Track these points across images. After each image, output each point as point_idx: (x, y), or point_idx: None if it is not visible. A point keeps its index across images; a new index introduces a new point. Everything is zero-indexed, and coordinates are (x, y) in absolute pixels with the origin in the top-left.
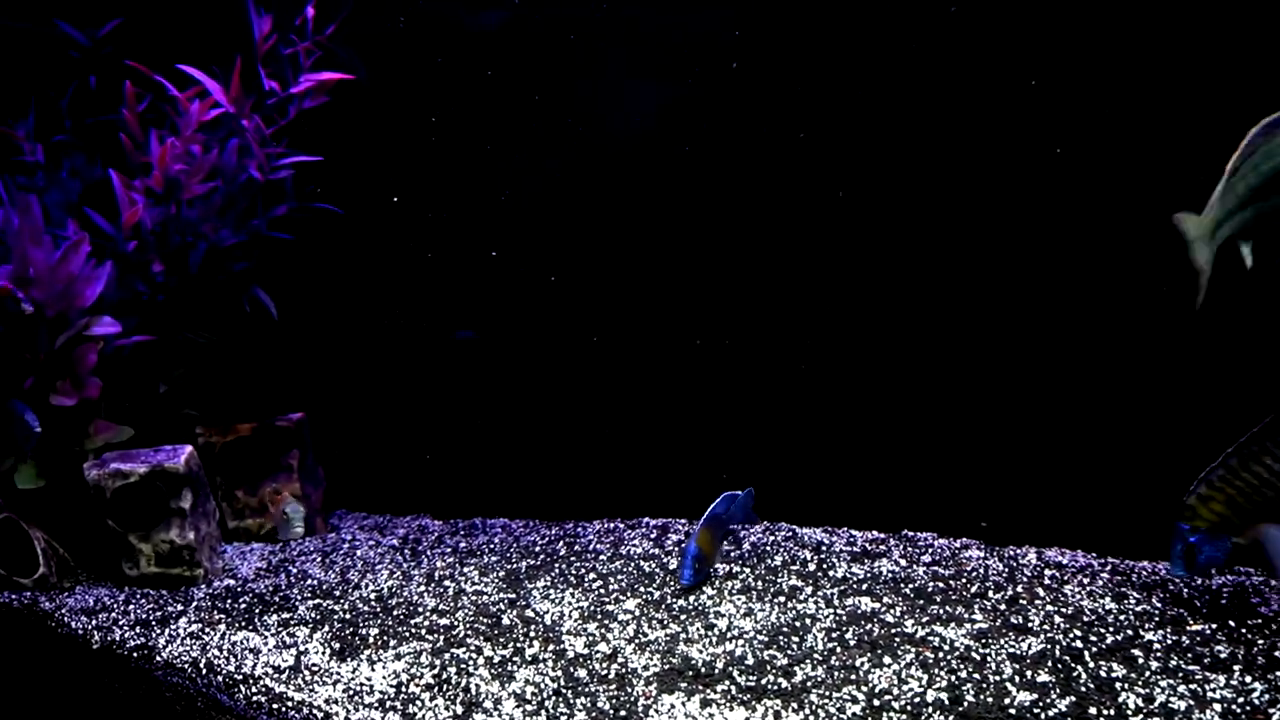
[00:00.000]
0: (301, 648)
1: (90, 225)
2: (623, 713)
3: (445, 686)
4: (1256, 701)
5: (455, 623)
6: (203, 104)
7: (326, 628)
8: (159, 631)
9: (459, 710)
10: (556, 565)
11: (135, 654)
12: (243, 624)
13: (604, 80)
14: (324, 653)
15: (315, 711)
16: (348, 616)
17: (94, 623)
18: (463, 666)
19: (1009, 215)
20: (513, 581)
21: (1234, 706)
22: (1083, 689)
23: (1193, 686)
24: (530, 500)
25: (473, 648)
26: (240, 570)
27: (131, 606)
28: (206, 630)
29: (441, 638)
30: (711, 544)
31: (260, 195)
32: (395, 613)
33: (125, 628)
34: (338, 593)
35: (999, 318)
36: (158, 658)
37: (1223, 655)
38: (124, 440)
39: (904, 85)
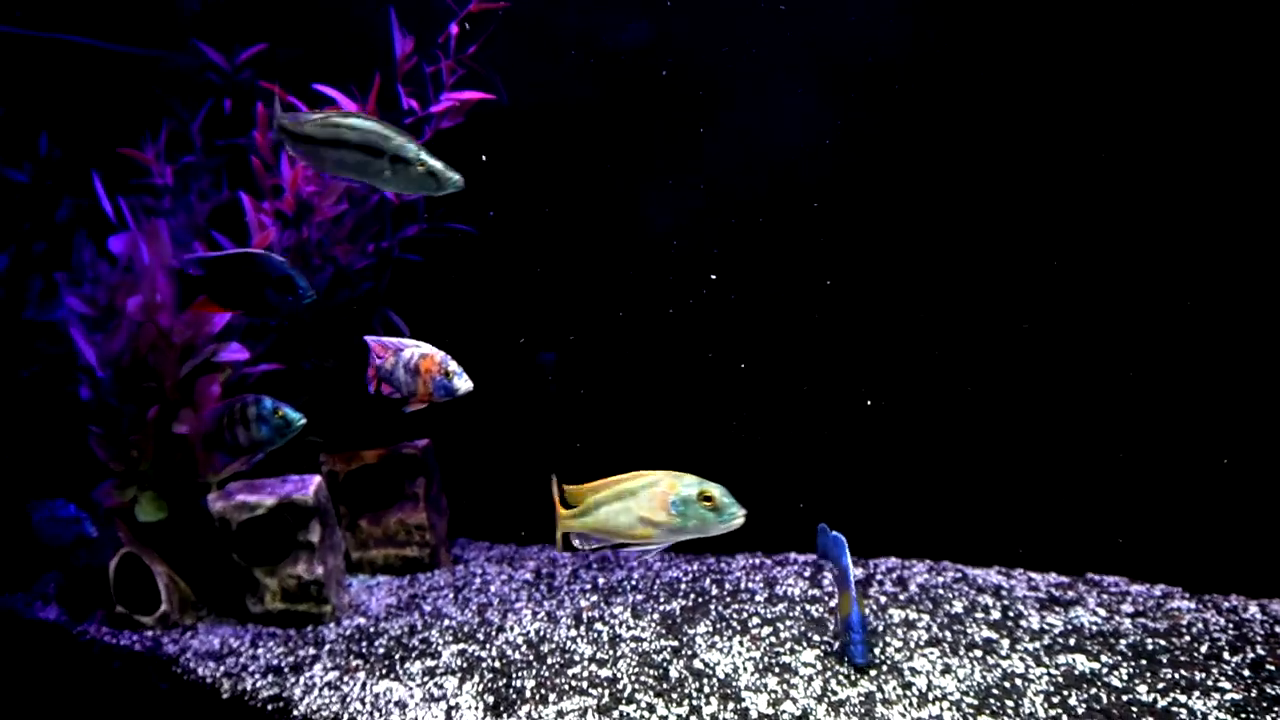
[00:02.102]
0: (452, 701)
1: (217, 248)
2: None
3: None
4: None
5: (618, 674)
6: None
7: (476, 677)
8: (293, 680)
9: None
10: (712, 607)
11: (269, 705)
12: (383, 672)
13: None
14: (477, 708)
15: None
16: (498, 665)
17: (222, 669)
18: None
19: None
20: (670, 626)
21: None
22: None
23: None
24: None
25: (643, 704)
26: (369, 607)
27: (260, 650)
28: (345, 680)
29: (606, 692)
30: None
31: (390, 216)
32: (549, 661)
33: (256, 675)
34: (480, 636)
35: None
36: (295, 711)
37: None
38: (248, 471)
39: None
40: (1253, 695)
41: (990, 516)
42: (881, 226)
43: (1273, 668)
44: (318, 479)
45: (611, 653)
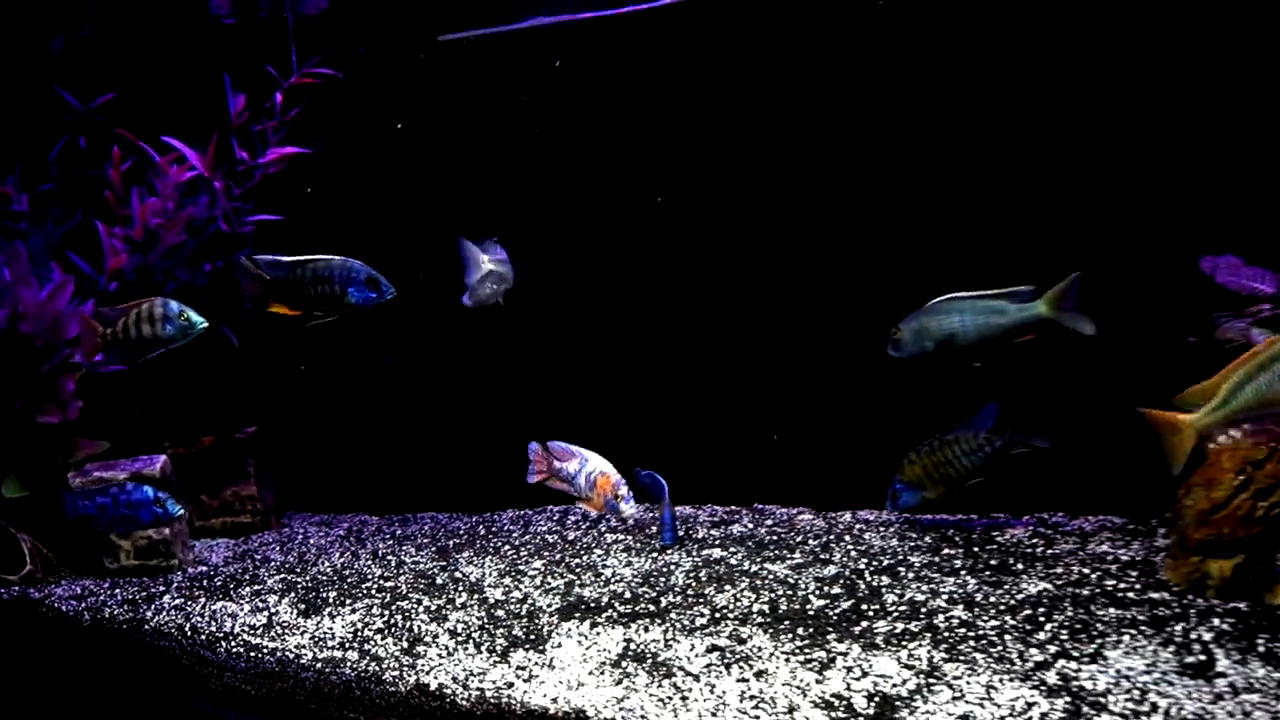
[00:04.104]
0: (273, 610)
1: (72, 267)
2: (533, 636)
3: (393, 629)
4: (969, 590)
5: (399, 585)
6: (180, 168)
7: (292, 594)
8: (145, 607)
9: (405, 644)
10: (478, 542)
11: (125, 625)
12: (220, 596)
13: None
14: (292, 612)
15: (287, 654)
16: (310, 585)
17: (84, 605)
18: (406, 614)
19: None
20: (443, 554)
21: (955, 594)
22: (859, 594)
23: (931, 586)
24: (454, 496)
25: (414, 600)
26: (211, 559)
27: (117, 591)
28: (188, 603)
29: (388, 595)
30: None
31: (225, 244)
32: (349, 580)
33: (114, 606)
34: (299, 569)
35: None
36: (146, 627)
37: (958, 566)
38: (102, 453)
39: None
40: (809, 560)
41: (689, 465)
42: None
43: (833, 545)
44: (164, 458)
45: (396, 573)
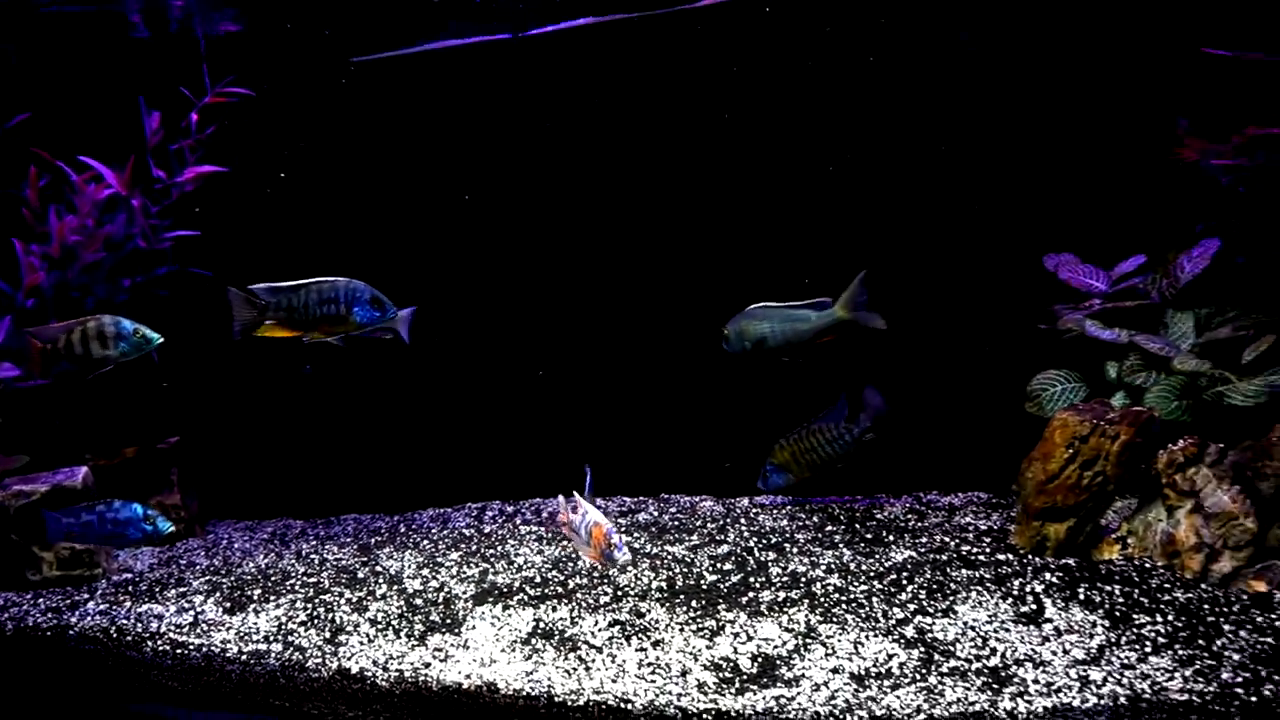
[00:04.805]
0: (199, 609)
1: None
2: (449, 621)
3: (316, 621)
4: (845, 561)
5: (321, 580)
6: (98, 186)
7: (218, 594)
8: (70, 613)
9: (328, 634)
10: (398, 539)
11: (49, 631)
12: (146, 599)
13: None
14: (218, 610)
15: (213, 649)
16: (235, 585)
17: (6, 615)
18: (329, 607)
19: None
20: (364, 551)
21: (832, 565)
22: (748, 568)
23: (812, 559)
24: (376, 498)
25: (336, 594)
26: (136, 567)
27: (40, 600)
28: (114, 608)
29: (311, 591)
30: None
31: (144, 261)
32: (273, 579)
33: (37, 614)
34: (224, 571)
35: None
36: (71, 632)
37: (837, 540)
38: (20, 467)
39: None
40: (705, 542)
41: (599, 459)
42: None
43: (729, 527)
44: (85, 469)
45: (319, 570)
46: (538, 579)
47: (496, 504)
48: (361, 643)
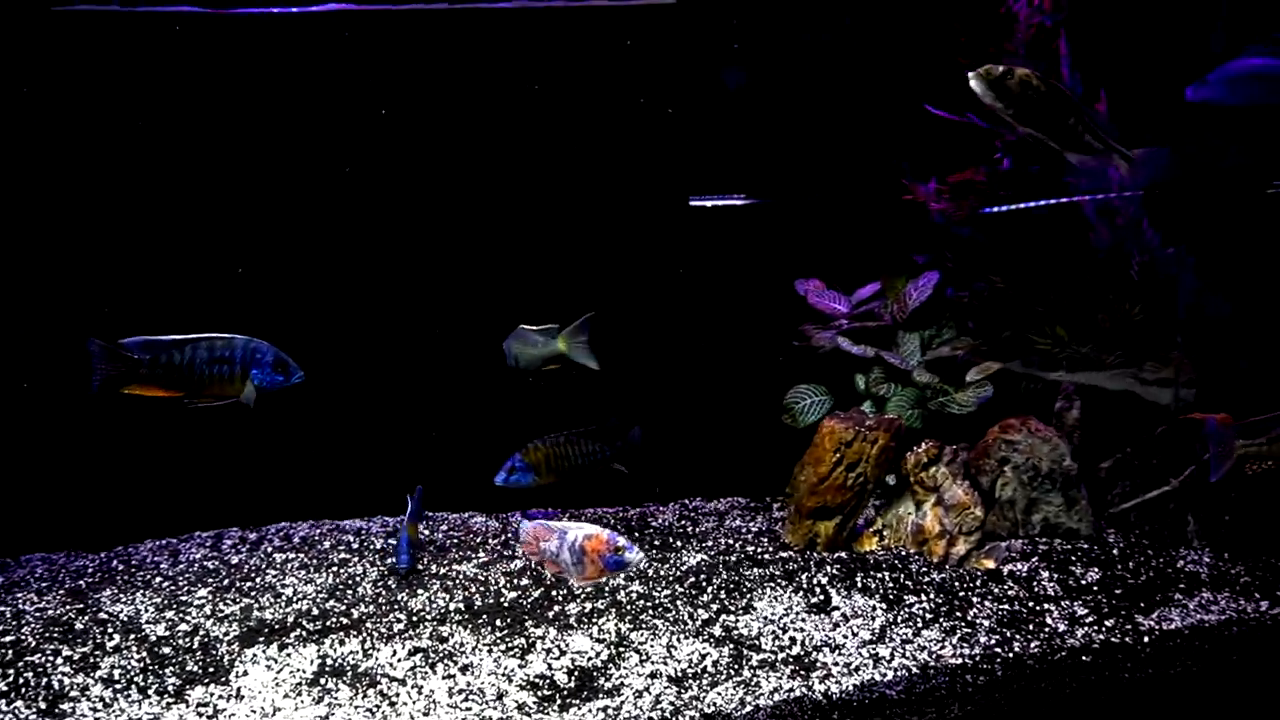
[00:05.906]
0: None
1: None
2: (212, 669)
3: (23, 690)
4: (643, 568)
5: (22, 638)
6: None
7: None
8: None
9: (43, 705)
10: (119, 578)
11: None
12: None
13: None
14: None
15: None
16: None
17: None
18: (39, 670)
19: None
20: (77, 595)
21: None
22: (547, 582)
23: None
24: (67, 532)
25: (49, 652)
26: None
27: None
28: None
29: (9, 652)
30: (417, 534)
31: None
32: None
33: None
34: None
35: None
36: None
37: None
38: None
39: None
40: (494, 558)
41: (353, 482)
42: None
43: (513, 542)
44: None
45: (16, 624)
46: (315, 610)
47: (235, 531)
48: (94, 708)
